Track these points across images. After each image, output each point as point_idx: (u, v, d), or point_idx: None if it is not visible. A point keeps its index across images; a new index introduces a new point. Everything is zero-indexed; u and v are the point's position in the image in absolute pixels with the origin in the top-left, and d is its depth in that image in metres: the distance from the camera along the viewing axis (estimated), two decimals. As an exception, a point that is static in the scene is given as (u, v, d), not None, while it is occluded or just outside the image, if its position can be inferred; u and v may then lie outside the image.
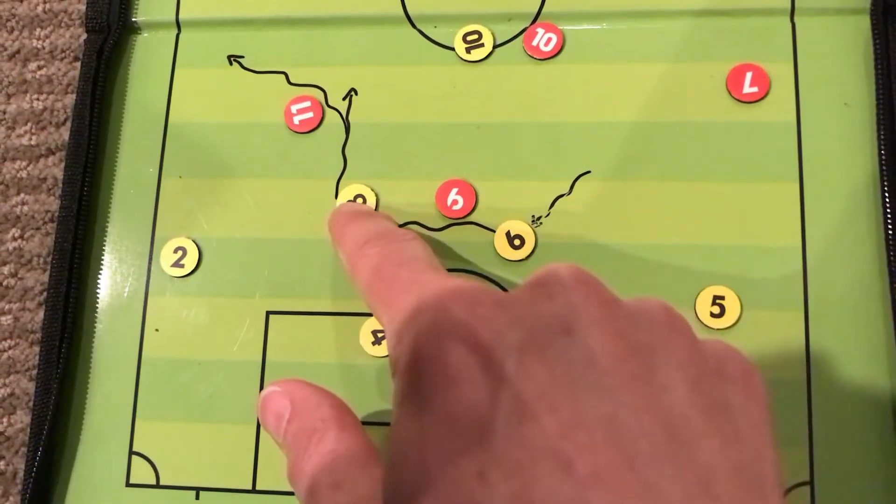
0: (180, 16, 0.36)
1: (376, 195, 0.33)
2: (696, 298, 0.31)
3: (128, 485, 0.32)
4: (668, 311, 0.21)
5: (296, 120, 0.34)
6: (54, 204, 0.35)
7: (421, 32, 0.35)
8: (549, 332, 0.19)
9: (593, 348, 0.19)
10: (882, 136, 0.31)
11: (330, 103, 0.34)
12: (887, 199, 0.30)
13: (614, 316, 0.20)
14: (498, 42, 0.34)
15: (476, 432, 0.18)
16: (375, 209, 0.33)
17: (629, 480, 0.17)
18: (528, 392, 0.18)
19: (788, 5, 0.33)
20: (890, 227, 0.30)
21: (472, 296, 0.20)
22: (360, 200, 0.33)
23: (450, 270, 0.32)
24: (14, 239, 0.35)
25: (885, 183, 0.30)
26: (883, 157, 0.30)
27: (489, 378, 0.19)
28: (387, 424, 0.31)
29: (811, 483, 0.29)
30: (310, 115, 0.34)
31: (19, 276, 0.35)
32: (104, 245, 0.34)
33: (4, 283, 0.35)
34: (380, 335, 0.32)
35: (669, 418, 0.18)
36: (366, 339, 0.32)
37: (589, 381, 0.18)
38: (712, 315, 0.30)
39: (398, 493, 0.19)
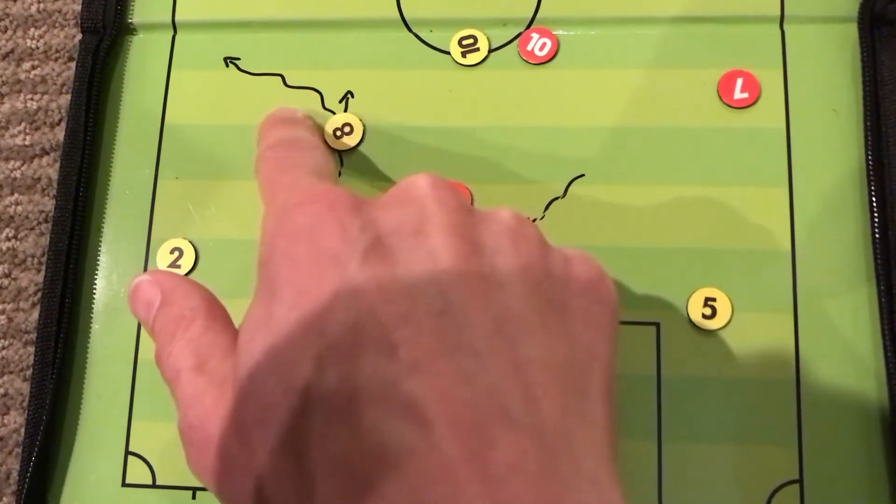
0: (176, 17, 0.36)
1: (363, 125, 0.34)
2: (688, 300, 0.31)
3: (124, 485, 0.32)
4: (518, 218, 0.22)
5: None
6: (48, 204, 0.35)
7: (417, 36, 0.35)
8: (397, 235, 0.20)
9: (436, 248, 0.20)
10: (869, 142, 0.31)
11: (326, 106, 0.34)
12: (874, 204, 0.31)
13: (462, 220, 0.21)
14: (493, 47, 0.35)
15: (317, 320, 0.19)
16: (360, 141, 0.34)
17: (446, 368, 0.18)
18: (367, 287, 0.19)
19: (778, 13, 0.33)
20: (877, 230, 0.31)
21: (332, 199, 0.21)
22: (346, 129, 0.34)
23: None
24: (8, 239, 0.35)
25: (872, 187, 0.31)
26: (870, 163, 0.31)
27: (334, 273, 0.20)
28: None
29: (800, 482, 0.30)
30: None
31: (13, 276, 0.35)
32: (100, 246, 0.34)
33: (-2, 284, 0.35)
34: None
35: (499, 314, 0.20)
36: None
37: (427, 277, 0.20)
38: (704, 317, 0.31)
39: (244, 375, 0.20)
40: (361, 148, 0.34)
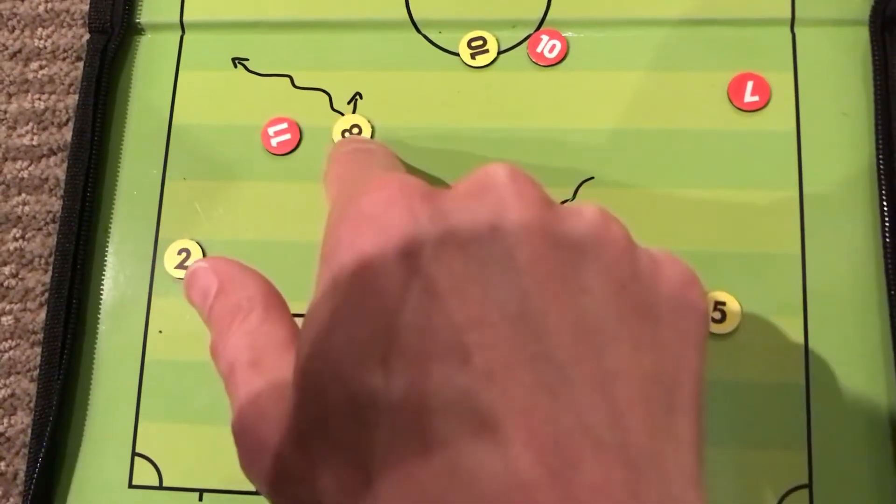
0: (184, 17, 0.36)
1: (372, 127, 0.34)
2: (698, 304, 0.31)
3: (130, 486, 0.32)
4: (603, 214, 0.20)
5: (273, 142, 0.34)
6: (56, 204, 0.35)
7: (426, 38, 0.35)
8: (472, 228, 0.19)
9: (514, 245, 0.18)
10: (880, 146, 0.31)
11: (335, 107, 0.34)
12: (885, 208, 0.31)
13: (543, 216, 0.19)
14: (502, 48, 0.34)
15: (383, 320, 0.18)
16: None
17: (523, 378, 0.17)
18: (440, 284, 0.18)
19: (789, 15, 0.33)
20: (888, 234, 0.30)
21: (401, 187, 0.20)
22: (355, 131, 0.34)
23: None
24: (15, 239, 0.35)
25: (883, 191, 0.31)
26: (881, 167, 0.31)
27: (402, 267, 0.18)
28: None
29: (810, 486, 0.29)
30: (287, 136, 0.34)
31: (20, 276, 0.35)
32: (107, 246, 0.34)
33: (5, 284, 0.35)
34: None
35: (581, 320, 0.18)
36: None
37: (504, 277, 0.18)
38: (713, 320, 0.31)
39: (303, 378, 0.19)
40: (370, 149, 0.34)
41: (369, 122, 0.34)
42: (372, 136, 0.34)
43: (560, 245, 0.19)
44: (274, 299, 0.24)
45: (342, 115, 0.34)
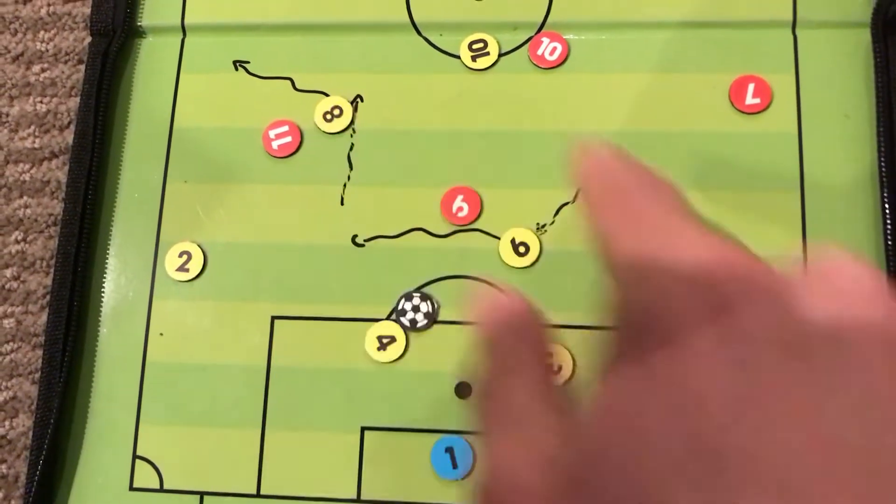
0: (185, 20, 0.36)
1: (353, 106, 0.34)
2: (699, 306, 0.31)
3: (131, 489, 0.32)
4: None
5: (274, 145, 0.34)
6: (57, 207, 0.35)
7: (427, 40, 0.35)
8: (820, 337, 0.16)
9: (877, 371, 0.15)
10: (882, 147, 0.31)
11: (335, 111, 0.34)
12: (887, 209, 0.31)
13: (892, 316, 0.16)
14: (503, 51, 0.34)
15: (705, 437, 0.15)
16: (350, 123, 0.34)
17: None
18: (778, 401, 0.15)
19: (790, 18, 0.33)
20: (890, 236, 0.30)
21: (741, 265, 0.17)
22: (336, 112, 0.34)
23: (454, 277, 0.32)
24: (17, 242, 0.35)
25: (885, 193, 0.31)
26: (883, 168, 0.31)
27: (737, 366, 0.15)
28: (389, 429, 0.31)
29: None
30: (288, 139, 0.34)
31: (22, 279, 0.35)
32: (108, 249, 0.34)
33: (7, 287, 0.35)
34: (385, 340, 0.32)
35: None
36: (371, 344, 0.32)
37: (859, 404, 0.15)
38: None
39: (593, 473, 0.16)
40: (370, 151, 0.34)
41: (350, 102, 0.34)
42: (352, 124, 0.34)
43: None
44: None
45: (340, 115, 0.34)
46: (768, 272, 0.17)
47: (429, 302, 0.32)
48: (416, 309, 0.32)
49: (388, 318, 0.32)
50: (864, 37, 0.33)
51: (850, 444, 0.14)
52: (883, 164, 0.31)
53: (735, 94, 0.33)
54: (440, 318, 0.32)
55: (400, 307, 0.32)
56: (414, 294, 0.32)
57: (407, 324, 0.32)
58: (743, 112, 0.33)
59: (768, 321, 0.16)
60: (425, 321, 0.32)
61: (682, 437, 0.15)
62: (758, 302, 0.16)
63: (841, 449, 0.14)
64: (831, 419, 0.15)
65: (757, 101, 0.33)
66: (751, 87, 0.33)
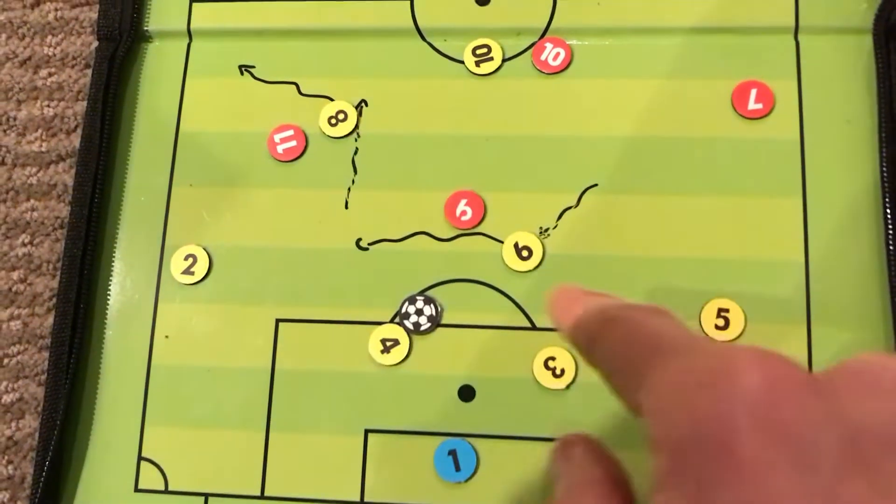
0: (192, 25, 0.36)
1: (357, 111, 0.34)
2: (701, 311, 0.31)
3: (136, 490, 0.32)
4: None
5: (279, 149, 0.34)
6: (64, 210, 0.36)
7: (431, 45, 0.35)
8: (876, 440, 0.15)
9: None
10: (884, 153, 0.31)
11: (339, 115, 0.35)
12: (889, 215, 0.31)
13: None
14: (507, 56, 0.35)
15: None
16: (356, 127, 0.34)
17: None
18: None
19: (792, 23, 0.33)
20: (891, 242, 0.30)
21: (773, 367, 0.16)
22: (341, 117, 0.34)
23: (458, 281, 0.33)
24: (24, 245, 0.35)
25: (887, 199, 0.31)
26: (884, 174, 0.31)
27: (800, 480, 0.15)
28: (394, 432, 0.31)
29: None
30: (293, 143, 0.34)
31: (28, 281, 0.35)
32: (114, 252, 0.34)
33: (14, 289, 0.35)
34: (388, 343, 0.32)
35: None
36: (374, 347, 0.32)
37: None
38: (717, 328, 0.31)
39: None
40: (375, 155, 0.34)
41: (354, 106, 0.34)
42: (357, 128, 0.34)
43: None
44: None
45: (344, 119, 0.34)
46: (810, 380, 0.16)
47: (432, 305, 0.32)
48: (419, 312, 0.32)
49: (391, 322, 0.32)
50: (866, 43, 0.33)
51: None
52: (885, 169, 0.31)
53: (737, 100, 0.33)
54: (444, 321, 0.32)
55: (403, 310, 0.32)
56: (417, 297, 0.32)
57: (410, 327, 0.32)
58: (745, 117, 0.33)
59: (819, 427, 0.15)
60: (429, 324, 0.32)
61: None
62: (813, 416, 0.15)
63: None
64: None
65: (759, 106, 0.33)
66: (753, 92, 0.33)
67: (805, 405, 0.15)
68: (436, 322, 0.32)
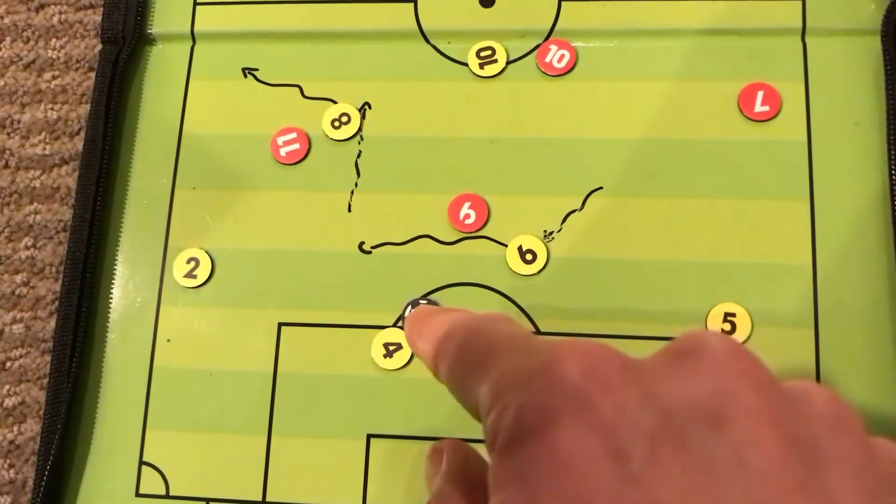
0: (195, 28, 0.36)
1: (360, 114, 0.34)
2: (707, 315, 0.31)
3: (137, 495, 0.32)
4: (836, 400, 0.17)
5: (282, 152, 0.34)
6: (67, 213, 0.36)
7: (435, 48, 0.35)
8: (690, 420, 0.15)
9: (746, 446, 0.15)
10: (892, 156, 0.31)
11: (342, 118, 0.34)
12: (897, 219, 0.30)
13: (774, 405, 0.16)
14: (511, 58, 0.34)
15: None
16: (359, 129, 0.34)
17: None
18: (663, 496, 0.15)
19: (800, 25, 0.33)
20: (900, 245, 0.30)
21: (593, 355, 0.17)
22: (344, 119, 0.34)
23: (461, 285, 0.32)
24: (27, 248, 0.35)
25: (895, 201, 0.31)
26: (893, 176, 0.31)
27: (614, 469, 0.15)
28: (397, 437, 0.31)
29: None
30: (296, 146, 0.34)
31: (31, 284, 0.35)
32: (117, 255, 0.34)
33: (17, 292, 0.35)
34: (391, 348, 0.32)
35: None
36: (377, 351, 0.32)
37: (739, 488, 0.15)
38: (723, 332, 0.31)
39: None
40: (378, 158, 0.34)
41: (358, 109, 0.34)
42: (360, 131, 0.34)
43: (797, 443, 0.16)
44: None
45: (347, 122, 0.34)
46: (628, 365, 0.17)
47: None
48: None
49: (394, 325, 0.32)
50: (875, 44, 0.32)
51: None
52: (893, 171, 0.31)
53: (744, 102, 0.33)
54: (447, 325, 0.32)
55: (406, 314, 0.32)
56: (420, 301, 0.32)
57: None
58: (752, 120, 0.32)
59: (633, 413, 0.16)
60: None
61: None
62: (626, 400, 0.16)
63: None
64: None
65: (766, 108, 0.32)
66: (760, 94, 0.33)
67: (620, 392, 0.16)
68: None
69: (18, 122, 0.37)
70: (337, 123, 0.34)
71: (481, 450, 0.21)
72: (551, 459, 0.16)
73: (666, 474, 0.15)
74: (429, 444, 0.31)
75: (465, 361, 0.20)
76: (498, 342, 0.19)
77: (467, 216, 0.33)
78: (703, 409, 0.15)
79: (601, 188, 0.33)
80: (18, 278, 0.35)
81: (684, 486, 0.15)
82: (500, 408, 0.17)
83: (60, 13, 0.38)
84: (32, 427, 0.34)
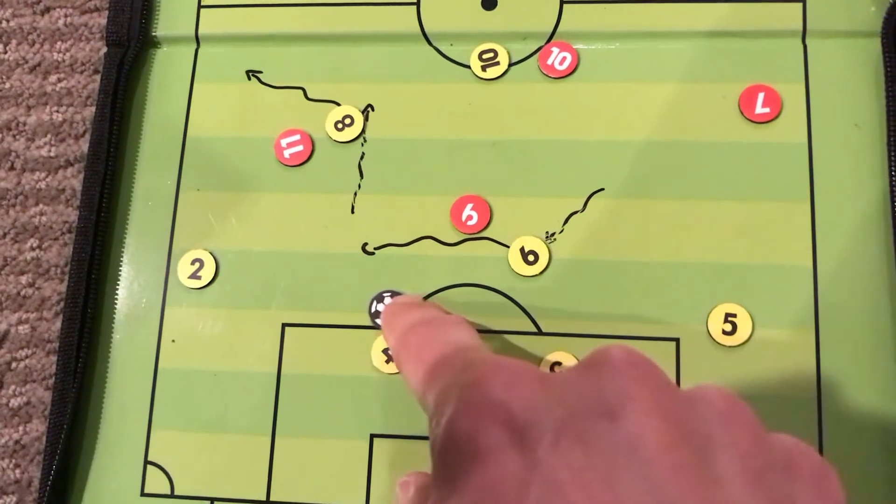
0: (199, 31, 0.36)
1: (364, 116, 0.34)
2: (708, 316, 0.31)
3: (142, 494, 0.32)
4: (729, 398, 0.19)
5: (286, 154, 0.34)
6: (72, 215, 0.36)
7: (437, 50, 0.35)
8: (591, 415, 0.18)
9: (639, 434, 0.17)
10: (893, 157, 0.31)
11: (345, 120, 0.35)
12: (898, 220, 0.31)
13: (666, 401, 0.18)
14: (513, 60, 0.35)
15: None
16: (362, 132, 0.34)
17: None
18: (562, 476, 0.17)
19: (800, 27, 0.33)
20: (900, 247, 0.30)
21: (513, 372, 0.20)
22: (347, 121, 0.34)
23: (464, 286, 0.32)
24: (32, 249, 0.36)
25: (895, 203, 0.31)
26: (893, 178, 0.31)
27: (521, 458, 0.18)
28: (400, 437, 0.31)
29: (821, 500, 0.29)
30: (299, 148, 0.34)
31: (37, 285, 0.35)
32: (122, 256, 0.34)
33: (22, 293, 0.35)
34: (390, 352, 0.32)
35: None
36: (377, 356, 0.32)
37: (631, 469, 0.17)
38: (724, 333, 0.31)
39: None
40: (381, 160, 0.34)
41: (361, 111, 0.34)
42: (363, 133, 0.34)
43: (689, 432, 0.18)
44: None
45: (351, 124, 0.34)
46: (543, 377, 0.20)
47: None
48: None
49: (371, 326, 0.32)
50: (875, 46, 0.33)
51: None
52: (894, 173, 0.31)
53: (745, 104, 0.33)
54: (449, 326, 0.32)
55: (373, 310, 0.32)
56: (385, 294, 0.32)
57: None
58: (752, 122, 0.33)
59: (541, 413, 0.18)
60: None
61: None
62: (538, 404, 0.19)
63: None
64: (615, 488, 0.16)
65: (767, 110, 0.33)
66: (760, 96, 0.33)
67: (531, 398, 0.19)
68: None
69: (24, 124, 0.37)
70: (340, 125, 0.34)
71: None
72: (471, 457, 0.18)
73: (566, 459, 0.17)
74: (431, 444, 0.31)
75: (417, 373, 0.24)
76: (443, 358, 0.23)
77: (470, 217, 0.33)
78: (602, 407, 0.18)
79: (603, 190, 0.33)
80: (24, 279, 0.35)
81: (581, 468, 0.17)
82: (437, 417, 0.20)
83: (66, 16, 0.38)
84: (38, 427, 0.34)
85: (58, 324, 0.35)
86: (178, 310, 0.33)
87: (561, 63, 0.34)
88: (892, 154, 0.31)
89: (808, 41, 0.33)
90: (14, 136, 0.37)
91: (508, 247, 0.33)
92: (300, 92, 0.35)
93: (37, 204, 0.36)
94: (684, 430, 0.18)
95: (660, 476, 0.16)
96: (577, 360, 0.31)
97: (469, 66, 0.35)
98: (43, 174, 0.36)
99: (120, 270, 0.34)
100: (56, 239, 0.36)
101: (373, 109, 0.35)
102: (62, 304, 0.35)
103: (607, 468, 0.17)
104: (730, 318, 0.31)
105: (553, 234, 0.33)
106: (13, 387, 0.34)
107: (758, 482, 0.17)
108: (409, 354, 0.25)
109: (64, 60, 0.38)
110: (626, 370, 0.19)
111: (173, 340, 0.33)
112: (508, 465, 0.18)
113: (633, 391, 0.18)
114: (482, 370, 0.20)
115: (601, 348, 0.20)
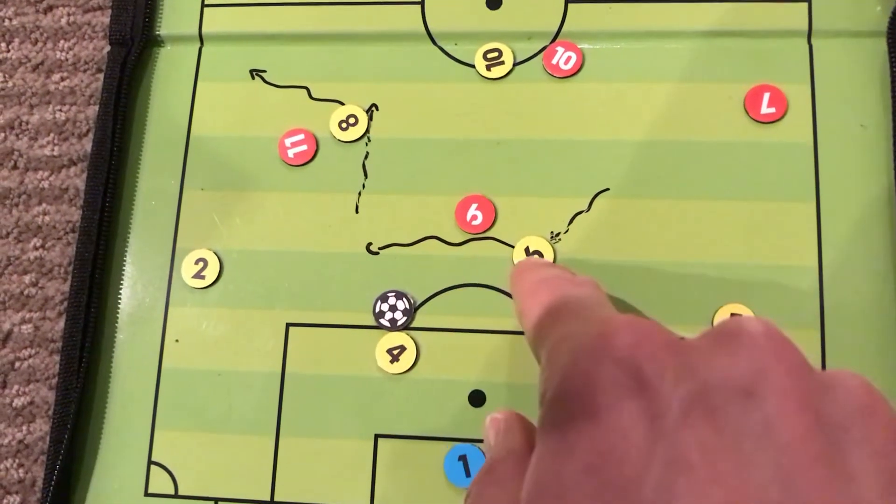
0: (203, 29, 0.36)
1: (368, 116, 0.34)
2: (714, 316, 0.31)
3: (146, 494, 0.32)
4: (869, 389, 0.18)
5: (290, 153, 0.34)
6: (76, 214, 0.36)
7: (442, 49, 0.35)
8: (724, 390, 0.17)
9: (774, 418, 0.16)
10: (898, 158, 0.31)
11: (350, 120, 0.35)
12: (903, 220, 0.30)
13: (804, 386, 0.17)
14: (518, 60, 0.35)
15: (620, 490, 0.16)
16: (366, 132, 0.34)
17: None
18: (688, 456, 0.16)
19: (806, 27, 0.33)
20: (906, 247, 0.30)
21: (644, 331, 0.18)
22: (351, 121, 0.34)
23: (468, 286, 0.32)
24: (35, 248, 0.35)
25: (902, 204, 0.31)
26: (899, 179, 0.31)
27: (644, 426, 0.16)
28: (404, 437, 0.31)
29: None
30: (303, 147, 0.34)
31: (40, 285, 0.35)
32: (125, 256, 0.34)
33: (25, 293, 0.35)
34: (395, 352, 0.32)
35: None
36: (382, 356, 0.32)
37: (764, 455, 0.16)
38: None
39: None
40: (385, 160, 0.34)
41: (365, 111, 0.34)
42: (368, 133, 0.34)
43: (824, 421, 0.17)
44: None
45: (355, 123, 0.34)
46: (674, 342, 0.18)
47: (405, 299, 0.32)
48: (393, 308, 0.32)
49: (376, 326, 0.32)
50: (881, 46, 0.33)
51: (768, 499, 0.15)
52: (899, 174, 0.31)
53: (750, 104, 0.33)
54: (454, 326, 0.32)
55: (377, 310, 0.32)
56: (389, 294, 0.32)
57: (387, 324, 0.32)
58: (758, 122, 0.33)
59: (671, 381, 0.17)
60: (405, 318, 0.32)
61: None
62: (667, 371, 0.17)
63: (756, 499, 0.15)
64: (744, 473, 0.16)
65: (772, 110, 0.33)
66: (766, 96, 0.33)
67: (663, 362, 0.17)
68: (411, 314, 0.32)
69: (27, 123, 0.37)
70: (344, 125, 0.34)
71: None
72: (588, 412, 0.17)
73: (696, 436, 0.16)
74: (435, 444, 0.31)
75: (541, 324, 0.22)
76: (571, 305, 0.22)
77: (474, 217, 0.33)
78: (736, 383, 0.17)
79: (608, 189, 0.33)
80: (27, 279, 0.35)
81: (711, 448, 0.16)
82: (552, 366, 0.19)
83: (69, 15, 0.38)
84: (41, 427, 0.34)
85: (61, 323, 0.35)
86: (182, 309, 0.33)
87: (566, 63, 0.34)
88: (898, 154, 0.31)
89: (813, 41, 0.33)
90: (17, 135, 0.37)
91: (513, 247, 0.33)
92: (304, 91, 0.35)
93: (40, 203, 0.36)
94: (819, 418, 0.17)
95: (792, 466, 0.16)
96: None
97: (474, 66, 0.35)
98: (46, 173, 0.36)
99: (123, 270, 0.34)
100: (59, 238, 0.36)
101: (377, 109, 0.35)
102: (65, 303, 0.34)
103: (738, 452, 0.16)
104: (735, 319, 0.31)
105: (558, 234, 0.33)
106: (17, 386, 0.34)
107: (891, 484, 0.16)
108: (533, 302, 0.23)
109: (67, 59, 0.38)
110: (764, 346, 0.17)
111: (177, 340, 0.33)
112: (629, 431, 0.16)
113: (769, 370, 0.17)
114: (611, 323, 0.18)
115: (736, 318, 0.19)
